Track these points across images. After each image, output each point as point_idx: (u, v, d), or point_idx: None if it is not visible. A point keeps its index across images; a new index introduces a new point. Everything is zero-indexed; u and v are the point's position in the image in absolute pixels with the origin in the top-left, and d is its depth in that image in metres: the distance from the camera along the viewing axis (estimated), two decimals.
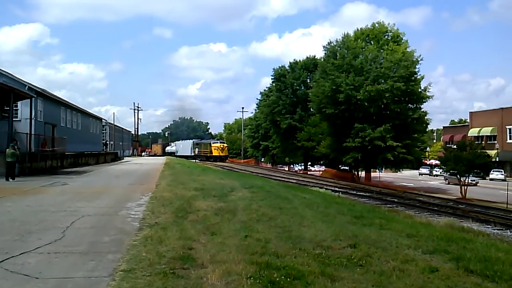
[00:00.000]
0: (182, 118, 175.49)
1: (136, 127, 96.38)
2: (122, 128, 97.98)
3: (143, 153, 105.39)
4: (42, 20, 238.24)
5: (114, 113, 78.70)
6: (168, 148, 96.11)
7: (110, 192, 15.27)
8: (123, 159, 61.24)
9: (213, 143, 71.07)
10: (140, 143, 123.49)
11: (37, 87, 30.53)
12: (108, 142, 73.71)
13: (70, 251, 6.53)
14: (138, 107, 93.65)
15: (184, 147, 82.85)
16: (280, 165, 79.94)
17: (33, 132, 26.76)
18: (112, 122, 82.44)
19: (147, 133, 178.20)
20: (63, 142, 32.99)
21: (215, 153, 67.66)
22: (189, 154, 74.95)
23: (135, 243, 6.96)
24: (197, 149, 74.21)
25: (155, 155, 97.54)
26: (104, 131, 69.50)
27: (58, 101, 36.62)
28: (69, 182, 19.05)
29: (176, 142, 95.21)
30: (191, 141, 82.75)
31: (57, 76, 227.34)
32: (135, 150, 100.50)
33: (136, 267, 5.50)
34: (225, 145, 73.24)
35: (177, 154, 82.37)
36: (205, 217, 9.39)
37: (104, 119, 66.62)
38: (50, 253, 6.39)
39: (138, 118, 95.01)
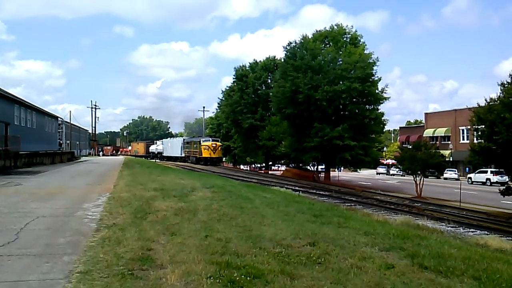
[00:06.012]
0: (142, 117, 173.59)
1: (93, 126, 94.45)
2: (79, 127, 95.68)
3: (123, 153, 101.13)
4: None
5: (70, 111, 76.14)
6: (152, 147, 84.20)
7: (66, 192, 14.86)
8: (80, 158, 59.76)
9: (203, 141, 56.86)
10: (98, 142, 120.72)
11: None
12: (64, 141, 70.95)
13: (24, 253, 6.32)
14: (95, 105, 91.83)
15: (173, 146, 70.89)
16: (245, 165, 78.90)
17: None
18: (69, 121, 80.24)
19: (105, 132, 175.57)
20: (17, 141, 31.85)
21: (205, 154, 54.43)
22: (179, 155, 65.53)
23: (92, 244, 6.80)
24: (187, 149, 62.60)
25: (136, 155, 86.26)
26: (60, 130, 67.33)
27: (12, 98, 35.32)
28: (23, 183, 18.42)
29: (163, 140, 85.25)
30: (180, 139, 74.14)
31: (12, 73, 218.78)
32: (93, 149, 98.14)
33: (93, 269, 5.38)
34: (218, 143, 57.77)
35: (165, 155, 73.02)
36: (165, 218, 9.29)
37: (60, 118, 64.71)
38: (3, 255, 6.15)
39: (95, 117, 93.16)
